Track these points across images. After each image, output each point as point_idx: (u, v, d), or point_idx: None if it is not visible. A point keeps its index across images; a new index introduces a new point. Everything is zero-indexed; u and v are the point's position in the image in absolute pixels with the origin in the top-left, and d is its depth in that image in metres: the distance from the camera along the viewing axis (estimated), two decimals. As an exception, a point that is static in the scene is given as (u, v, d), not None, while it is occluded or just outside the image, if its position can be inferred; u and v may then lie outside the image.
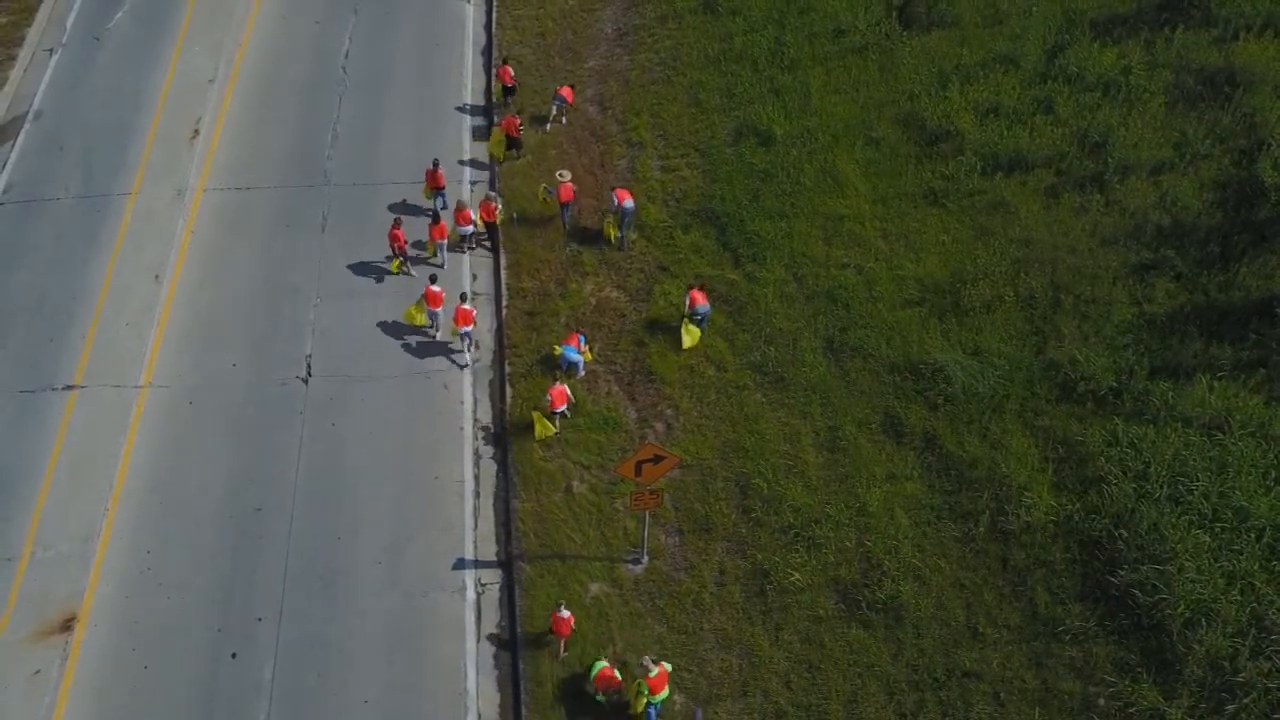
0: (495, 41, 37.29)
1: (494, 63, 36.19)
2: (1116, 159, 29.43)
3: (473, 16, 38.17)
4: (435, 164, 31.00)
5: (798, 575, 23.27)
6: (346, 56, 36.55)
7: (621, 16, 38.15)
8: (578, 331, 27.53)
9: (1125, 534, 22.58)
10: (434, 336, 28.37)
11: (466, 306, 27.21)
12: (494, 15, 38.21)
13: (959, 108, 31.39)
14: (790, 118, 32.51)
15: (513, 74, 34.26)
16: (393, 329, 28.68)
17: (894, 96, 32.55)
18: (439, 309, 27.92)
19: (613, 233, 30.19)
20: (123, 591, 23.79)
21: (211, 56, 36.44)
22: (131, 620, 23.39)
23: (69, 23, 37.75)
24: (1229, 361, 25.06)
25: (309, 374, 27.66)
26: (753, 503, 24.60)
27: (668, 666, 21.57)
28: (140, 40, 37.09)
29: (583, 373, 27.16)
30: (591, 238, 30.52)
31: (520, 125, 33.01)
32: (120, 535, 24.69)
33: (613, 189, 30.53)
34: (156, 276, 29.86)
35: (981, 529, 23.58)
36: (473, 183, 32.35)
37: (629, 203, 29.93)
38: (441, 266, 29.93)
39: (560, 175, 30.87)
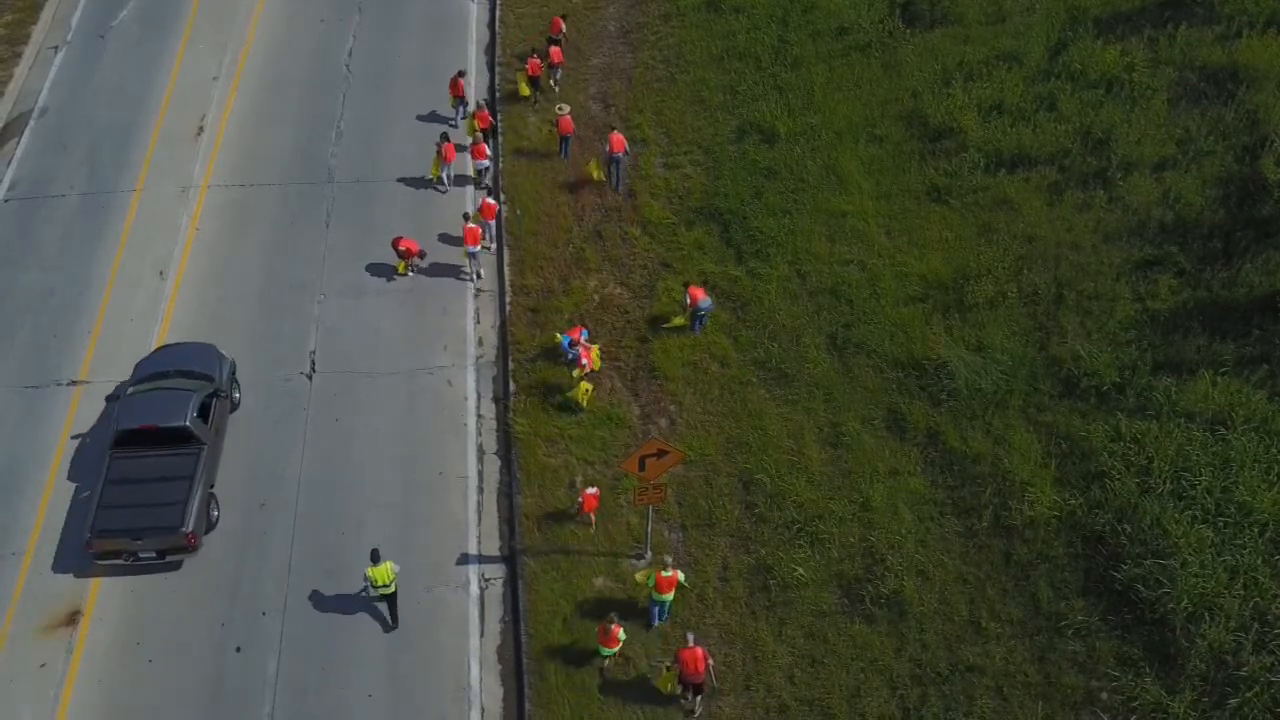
0: (499, 39, 37.44)
1: (497, 59, 36.44)
2: (1120, 156, 29.50)
3: (476, 15, 38.33)
4: (460, 74, 33.83)
5: (801, 570, 23.31)
6: (350, 55, 36.68)
7: (625, 14, 38.27)
8: (580, 325, 27.67)
9: (1128, 529, 22.62)
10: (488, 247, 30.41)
11: (471, 225, 29.03)
12: (497, 13, 38.36)
13: (962, 105, 31.46)
14: (793, 115, 32.60)
15: (564, 26, 35.91)
16: (397, 325, 28.79)
17: (897, 94, 32.65)
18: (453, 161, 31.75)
19: (595, 173, 31.39)
20: (128, 585, 23.87)
21: (215, 55, 36.60)
22: (137, 614, 23.47)
23: (73, 21, 37.93)
24: (1232, 357, 25.12)
25: (313, 370, 27.75)
26: (756, 499, 24.66)
27: (681, 576, 22.26)
28: (144, 39, 37.24)
29: (581, 367, 27.16)
30: (593, 235, 30.68)
31: (541, 66, 34.37)
32: (125, 530, 24.77)
33: (610, 130, 31.57)
34: (161, 273, 29.97)
35: (984, 524, 23.63)
36: (478, 175, 32.40)
37: (620, 153, 30.79)
38: (444, 191, 31.99)
39: (560, 109, 32.60)
